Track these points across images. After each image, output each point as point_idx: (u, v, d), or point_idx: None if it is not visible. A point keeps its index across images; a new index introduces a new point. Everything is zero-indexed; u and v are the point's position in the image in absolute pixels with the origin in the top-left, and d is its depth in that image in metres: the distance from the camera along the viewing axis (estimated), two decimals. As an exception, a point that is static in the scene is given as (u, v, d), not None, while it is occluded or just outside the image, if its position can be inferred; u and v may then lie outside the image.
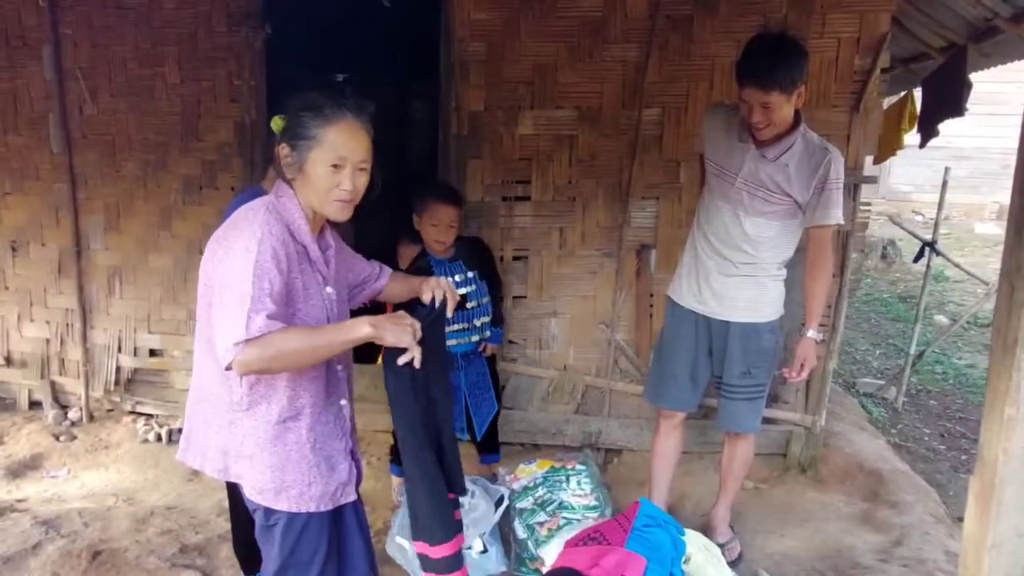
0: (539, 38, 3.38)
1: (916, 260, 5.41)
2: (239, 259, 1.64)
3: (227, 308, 1.62)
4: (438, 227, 2.97)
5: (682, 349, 2.83)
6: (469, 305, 3.08)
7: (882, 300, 7.91)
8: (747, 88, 2.44)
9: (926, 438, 4.58)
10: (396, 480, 3.36)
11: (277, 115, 1.77)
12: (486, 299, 3.15)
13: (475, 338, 3.15)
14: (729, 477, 2.98)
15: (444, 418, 2.00)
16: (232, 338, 1.58)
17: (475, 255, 3.16)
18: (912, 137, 4.64)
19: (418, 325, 1.74)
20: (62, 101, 3.74)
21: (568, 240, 3.58)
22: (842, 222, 2.62)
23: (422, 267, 3.04)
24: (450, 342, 3.03)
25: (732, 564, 2.78)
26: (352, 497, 1.89)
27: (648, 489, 3.02)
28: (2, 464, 3.60)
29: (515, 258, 3.60)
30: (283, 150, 1.72)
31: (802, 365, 2.67)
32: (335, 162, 1.69)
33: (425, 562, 1.99)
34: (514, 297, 3.63)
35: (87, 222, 3.88)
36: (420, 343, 1.74)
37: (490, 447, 3.36)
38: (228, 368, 1.61)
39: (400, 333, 1.71)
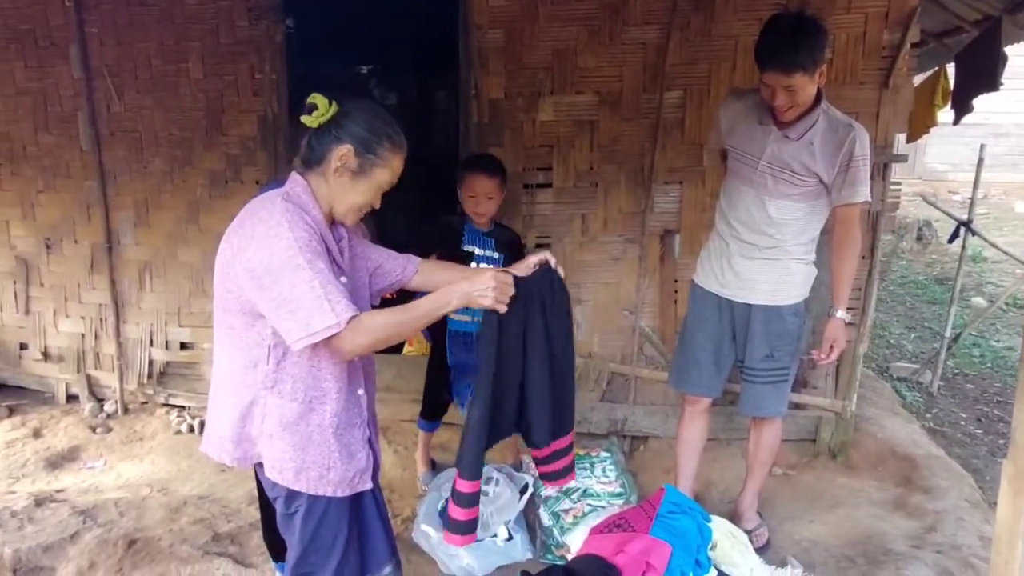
0: (558, 22, 3.34)
1: (951, 240, 5.27)
2: (271, 245, 1.64)
3: (294, 299, 1.63)
4: (475, 198, 2.96)
5: (705, 333, 2.80)
6: None
7: (917, 282, 7.74)
8: (768, 72, 2.39)
9: (962, 422, 4.48)
10: (422, 470, 3.38)
11: (323, 99, 1.74)
12: None
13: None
14: (756, 463, 2.95)
15: (536, 366, 1.97)
16: (320, 327, 1.62)
17: (508, 243, 3.13)
18: (946, 114, 4.51)
19: (499, 278, 1.76)
20: (90, 99, 3.81)
21: (591, 226, 3.55)
22: (869, 199, 2.57)
23: (452, 223, 3.05)
24: (462, 317, 3.04)
25: (759, 551, 2.76)
26: (369, 485, 1.91)
27: (674, 476, 3.00)
28: (41, 456, 3.71)
29: (537, 245, 3.58)
30: (346, 153, 1.73)
31: (831, 347, 2.63)
32: (385, 186, 1.81)
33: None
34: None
35: (117, 218, 3.96)
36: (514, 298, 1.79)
37: None
38: (338, 353, 1.70)
39: (488, 293, 1.74)
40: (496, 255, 3.09)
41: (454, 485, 1.96)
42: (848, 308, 2.68)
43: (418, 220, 3.69)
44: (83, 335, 4.16)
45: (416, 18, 5.30)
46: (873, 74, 3.25)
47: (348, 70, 6.85)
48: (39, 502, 3.08)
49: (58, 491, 3.33)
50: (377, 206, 1.84)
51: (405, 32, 5.85)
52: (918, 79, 4.47)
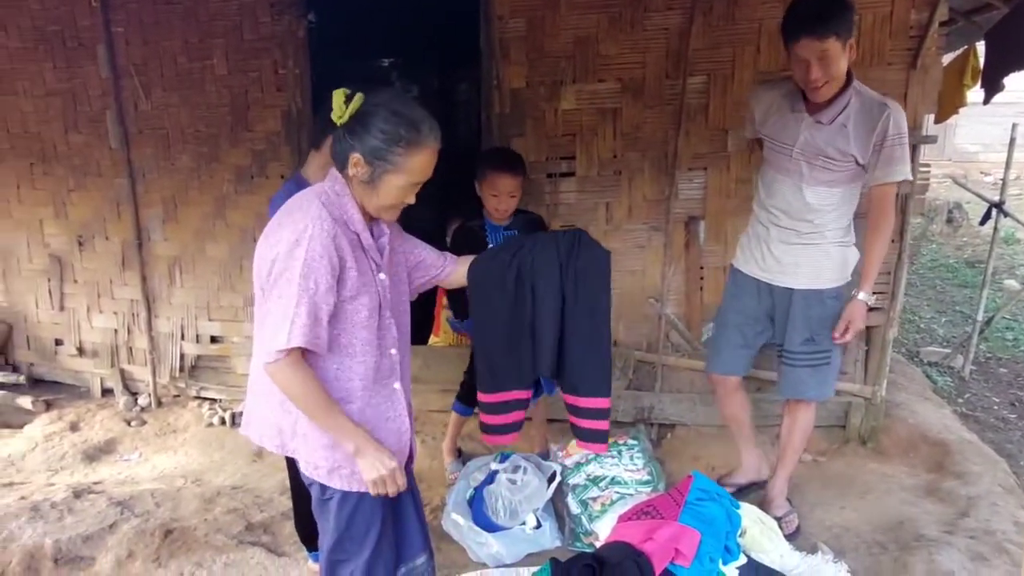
0: (579, 10, 3.33)
1: (983, 222, 5.18)
2: (288, 250, 1.67)
3: (274, 306, 1.68)
4: (498, 196, 2.95)
5: (740, 315, 2.82)
6: None
7: (948, 266, 7.62)
8: (801, 41, 2.36)
9: (995, 407, 4.41)
10: (448, 459, 3.41)
11: (343, 96, 1.71)
12: None
13: None
14: (788, 449, 2.93)
15: (544, 312, 2.05)
16: (274, 344, 1.67)
17: (531, 228, 3.09)
18: (976, 94, 4.42)
19: (394, 474, 1.82)
20: (118, 98, 3.87)
21: (615, 215, 3.54)
22: (909, 177, 2.55)
23: (473, 229, 3.05)
24: None
25: (789, 537, 2.75)
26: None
27: (736, 452, 3.04)
28: (79, 449, 3.79)
29: (562, 235, 3.58)
30: (357, 161, 1.70)
31: (847, 327, 2.62)
32: (408, 187, 1.76)
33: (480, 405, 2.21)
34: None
35: (147, 215, 4.02)
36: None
37: None
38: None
39: (373, 471, 1.79)
40: None
41: (477, 396, 2.19)
42: (877, 293, 2.66)
43: (442, 213, 3.70)
44: (116, 330, 4.24)
45: (437, 10, 5.29)
46: (901, 54, 3.19)
47: (370, 63, 6.87)
48: (78, 494, 3.16)
49: (96, 483, 3.41)
50: (411, 201, 1.80)
51: (426, 24, 5.84)
52: (947, 58, 4.37)
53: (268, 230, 1.78)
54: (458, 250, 3.07)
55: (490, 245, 3.04)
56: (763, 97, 2.70)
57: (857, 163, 2.51)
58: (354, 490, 1.84)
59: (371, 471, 1.78)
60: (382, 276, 1.83)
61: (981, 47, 4.25)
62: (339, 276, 1.71)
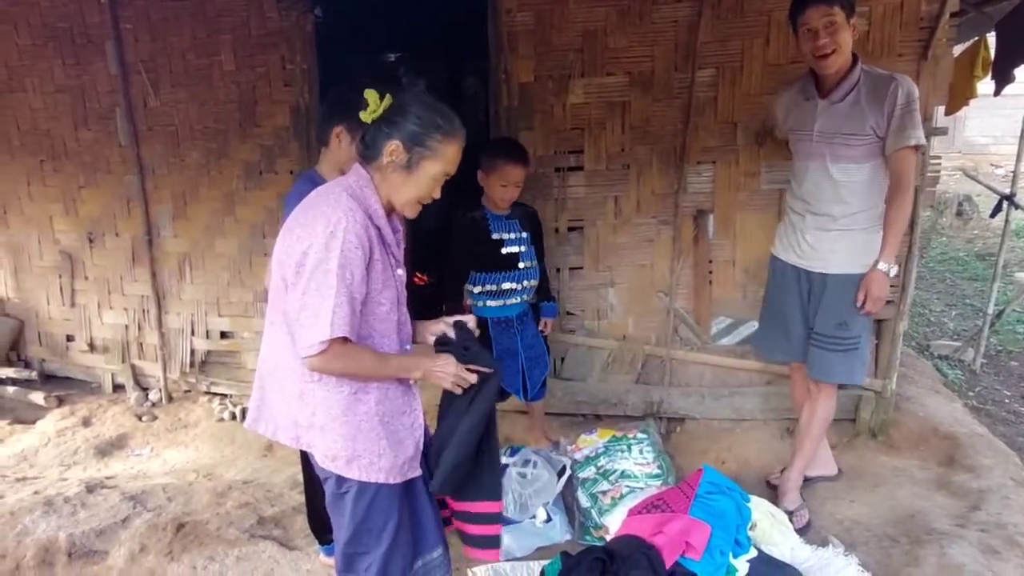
0: (587, 3, 3.31)
1: (993, 215, 5.15)
2: (324, 242, 1.68)
3: (311, 297, 1.68)
4: (507, 187, 3.00)
5: (791, 302, 2.87)
6: (521, 265, 3.10)
7: (958, 259, 7.57)
8: (808, 10, 2.52)
9: (1007, 400, 4.39)
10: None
11: (374, 95, 1.77)
12: (534, 263, 3.16)
13: (527, 298, 3.19)
14: (805, 438, 2.94)
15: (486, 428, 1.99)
16: (316, 335, 1.68)
17: (530, 221, 3.18)
18: (986, 85, 4.39)
19: (459, 370, 1.88)
20: (127, 95, 3.88)
21: (623, 209, 3.54)
22: (922, 142, 2.61)
23: (476, 219, 3.08)
24: (494, 303, 3.11)
25: (800, 531, 2.75)
26: (419, 471, 1.93)
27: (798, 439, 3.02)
28: (91, 444, 3.82)
29: (570, 229, 3.59)
30: (395, 148, 1.75)
31: (865, 297, 2.66)
32: (441, 177, 1.81)
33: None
34: (570, 268, 3.62)
35: (156, 211, 4.04)
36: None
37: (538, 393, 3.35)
38: (310, 368, 1.73)
39: (446, 379, 1.87)
40: (523, 234, 3.12)
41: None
42: (895, 272, 2.69)
43: (449, 208, 3.68)
44: (127, 326, 4.27)
45: (444, 4, 5.28)
46: (911, 46, 3.17)
47: (377, 58, 6.86)
48: (90, 488, 3.18)
49: (108, 477, 3.43)
50: (437, 196, 1.84)
51: (433, 19, 5.83)
52: (957, 49, 4.34)
53: (292, 223, 1.79)
54: (462, 241, 3.12)
55: (494, 235, 3.06)
56: (784, 97, 2.88)
57: (876, 135, 2.59)
58: (372, 481, 1.84)
59: (444, 380, 1.87)
60: (400, 271, 1.86)
61: (992, 38, 4.22)
62: (367, 264, 1.74)
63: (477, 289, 3.12)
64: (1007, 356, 5.03)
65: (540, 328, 3.27)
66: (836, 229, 2.71)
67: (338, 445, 1.82)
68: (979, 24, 4.55)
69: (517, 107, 3.47)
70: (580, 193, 3.54)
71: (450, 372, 1.87)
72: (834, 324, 2.75)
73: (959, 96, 4.49)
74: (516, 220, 3.11)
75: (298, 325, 1.72)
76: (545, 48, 3.39)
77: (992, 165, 11.30)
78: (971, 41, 4.74)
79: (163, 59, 3.81)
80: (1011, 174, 5.02)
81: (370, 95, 1.76)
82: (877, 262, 2.65)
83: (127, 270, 4.18)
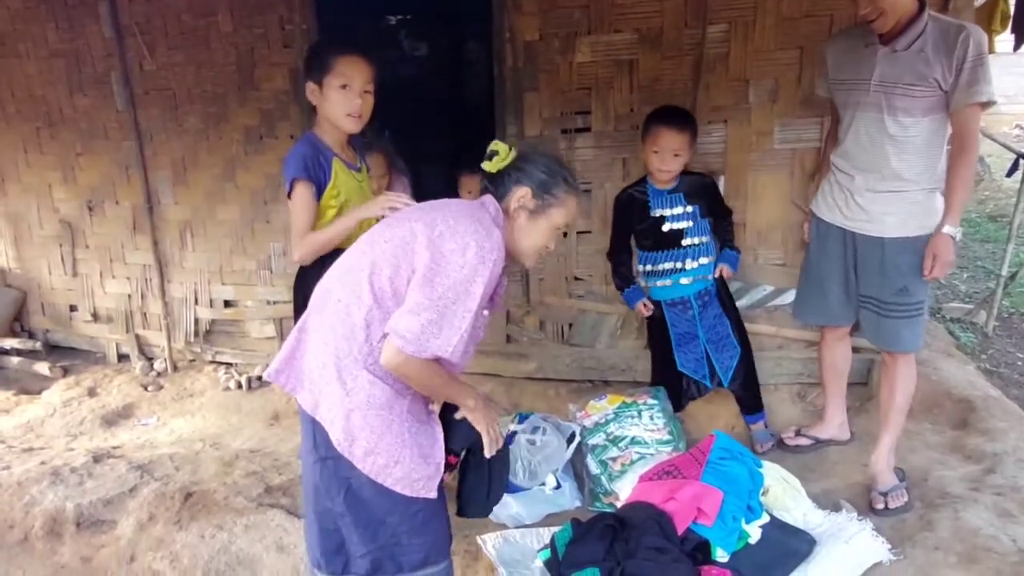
0: (594, -42, 3.21)
1: (1009, 174, 5.03)
2: (474, 265, 1.71)
3: (447, 307, 1.69)
4: (659, 154, 2.85)
5: (832, 265, 2.76)
6: (686, 242, 2.98)
7: (969, 220, 7.45)
8: None
9: (1020, 363, 4.34)
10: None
11: (504, 146, 1.87)
12: (707, 238, 3.01)
13: (702, 276, 3.04)
14: (891, 411, 2.78)
15: None
16: (432, 347, 1.69)
17: (699, 190, 3.01)
18: (1004, 41, 4.27)
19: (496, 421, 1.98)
20: (123, 58, 3.79)
21: (632, 171, 3.45)
22: (994, 99, 2.44)
23: (634, 195, 2.98)
24: (664, 283, 3.03)
25: (897, 511, 2.63)
26: (432, 494, 1.87)
27: (822, 399, 3.01)
28: (98, 414, 3.81)
29: (578, 192, 3.51)
30: (525, 194, 1.85)
31: (933, 261, 2.51)
32: (561, 227, 1.92)
33: None
34: (578, 232, 3.55)
35: (156, 178, 3.98)
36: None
37: (751, 403, 3.16)
38: (389, 359, 1.72)
39: (489, 424, 1.94)
40: (689, 209, 2.97)
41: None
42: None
43: (450, 174, 3.61)
44: (130, 295, 4.23)
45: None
46: (931, -2, 3.06)
47: (377, 21, 6.72)
48: (97, 458, 3.17)
49: (115, 447, 3.43)
50: (552, 248, 1.94)
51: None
52: (978, 1, 4.22)
53: (443, 227, 1.75)
54: (618, 216, 3.05)
55: (652, 211, 2.96)
56: (836, 44, 2.71)
57: (940, 88, 2.43)
58: (379, 483, 1.82)
59: (489, 422, 1.94)
60: (485, 312, 1.87)
61: (1013, -10, 4.09)
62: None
63: (646, 268, 3.02)
64: (1020, 319, 4.97)
65: (714, 273, 3.06)
66: (888, 190, 2.56)
67: (363, 434, 1.78)
68: (999, -24, 4.41)
69: (522, 67, 3.38)
70: (588, 155, 3.46)
71: (493, 418, 1.96)
72: (896, 290, 2.61)
73: (977, 52, 4.37)
74: (680, 193, 2.94)
75: (412, 316, 1.69)
76: (550, 5, 3.28)
77: (1019, 127, 10.94)
78: (990, -6, 4.60)
79: (158, 20, 3.72)
80: (1027, 132, 4.90)
81: (499, 146, 1.87)
82: (942, 225, 2.51)
83: (128, 238, 4.14)
